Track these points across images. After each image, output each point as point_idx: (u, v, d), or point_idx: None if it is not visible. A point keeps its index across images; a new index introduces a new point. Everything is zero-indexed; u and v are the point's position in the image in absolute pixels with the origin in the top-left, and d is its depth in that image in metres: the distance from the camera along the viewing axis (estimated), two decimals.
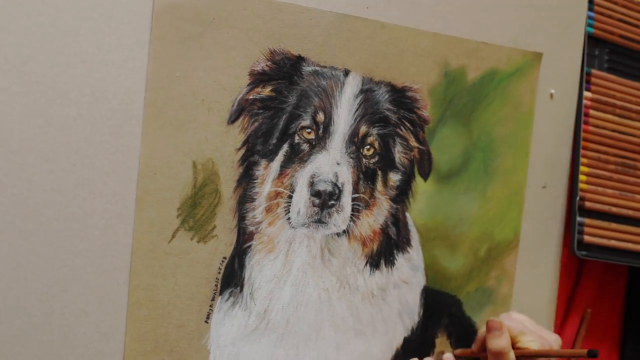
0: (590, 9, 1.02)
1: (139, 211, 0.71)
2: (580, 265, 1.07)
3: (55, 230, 0.68)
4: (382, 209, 0.84)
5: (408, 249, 0.87)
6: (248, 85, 0.76)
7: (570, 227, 1.02)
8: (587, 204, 1.01)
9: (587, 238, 1.02)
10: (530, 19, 0.95)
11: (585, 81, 1.02)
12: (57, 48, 0.67)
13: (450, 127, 0.88)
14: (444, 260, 0.90)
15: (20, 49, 0.65)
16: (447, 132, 0.88)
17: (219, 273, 0.76)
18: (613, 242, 1.04)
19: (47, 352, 0.68)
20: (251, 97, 0.76)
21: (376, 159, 0.83)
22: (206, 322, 0.75)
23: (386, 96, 0.83)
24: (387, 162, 0.84)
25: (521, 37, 0.94)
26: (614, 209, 1.04)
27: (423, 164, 0.87)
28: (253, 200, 0.78)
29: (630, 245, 1.06)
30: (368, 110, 0.82)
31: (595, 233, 1.03)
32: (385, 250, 0.85)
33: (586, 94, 1.01)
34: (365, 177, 0.82)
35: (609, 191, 1.04)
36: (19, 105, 0.66)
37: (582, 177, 1.01)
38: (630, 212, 1.06)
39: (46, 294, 0.68)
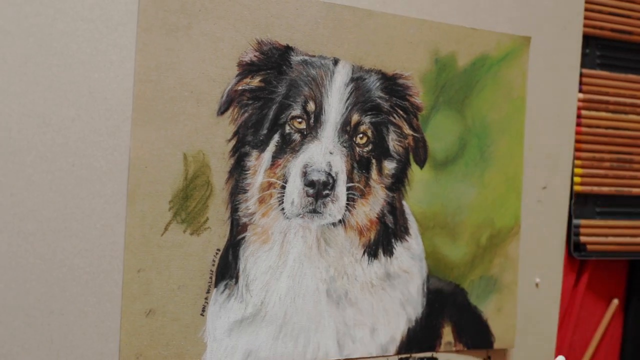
0: None
1: (131, 204, 0.71)
2: (581, 264, 1.05)
3: (54, 230, 0.68)
4: (378, 197, 0.83)
5: (407, 237, 0.86)
6: (237, 76, 0.76)
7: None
8: (582, 205, 1.01)
9: (583, 239, 1.02)
10: (520, 2, 0.94)
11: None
12: (56, 48, 0.67)
13: (444, 114, 0.87)
14: (445, 248, 0.89)
15: (18, 49, 0.66)
16: (441, 118, 0.87)
17: (213, 265, 0.75)
18: (610, 239, 1.04)
19: (46, 352, 0.68)
20: (240, 88, 0.76)
21: (370, 147, 0.82)
22: (202, 315, 0.75)
23: (377, 84, 0.83)
24: (381, 151, 0.83)
25: (516, 23, 0.93)
26: (610, 206, 1.04)
27: (418, 152, 0.86)
28: (245, 191, 0.77)
29: (628, 239, 1.05)
30: (359, 99, 0.81)
31: (592, 232, 1.03)
32: (383, 239, 0.84)
33: (578, 95, 1.00)
34: (360, 166, 0.81)
35: (605, 189, 1.03)
36: (18, 105, 0.66)
37: (576, 179, 1.01)
38: (626, 208, 1.05)
39: (46, 294, 0.68)
